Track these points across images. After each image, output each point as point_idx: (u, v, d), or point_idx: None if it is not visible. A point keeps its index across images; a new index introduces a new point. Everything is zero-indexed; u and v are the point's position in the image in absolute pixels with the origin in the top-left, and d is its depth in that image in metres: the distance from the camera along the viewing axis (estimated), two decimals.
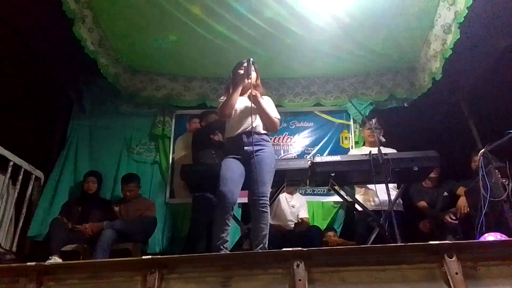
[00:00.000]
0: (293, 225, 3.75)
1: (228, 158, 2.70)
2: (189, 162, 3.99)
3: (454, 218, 3.42)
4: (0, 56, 3.50)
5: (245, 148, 2.66)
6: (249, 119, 2.73)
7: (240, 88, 2.77)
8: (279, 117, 2.92)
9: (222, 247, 2.45)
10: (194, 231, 3.58)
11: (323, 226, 4.15)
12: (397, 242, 2.66)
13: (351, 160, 3.18)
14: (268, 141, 2.78)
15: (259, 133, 2.74)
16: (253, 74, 2.86)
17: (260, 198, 2.53)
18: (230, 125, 2.80)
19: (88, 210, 3.63)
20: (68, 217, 3.47)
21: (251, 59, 2.79)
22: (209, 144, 3.81)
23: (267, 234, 2.52)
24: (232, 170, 2.61)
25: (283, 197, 3.86)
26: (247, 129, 2.71)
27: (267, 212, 2.54)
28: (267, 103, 2.90)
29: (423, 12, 3.51)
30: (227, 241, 2.52)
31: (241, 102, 2.82)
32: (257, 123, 2.76)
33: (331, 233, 3.95)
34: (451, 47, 3.45)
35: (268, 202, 2.58)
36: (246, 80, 2.77)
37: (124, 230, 3.36)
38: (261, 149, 2.68)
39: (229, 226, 2.54)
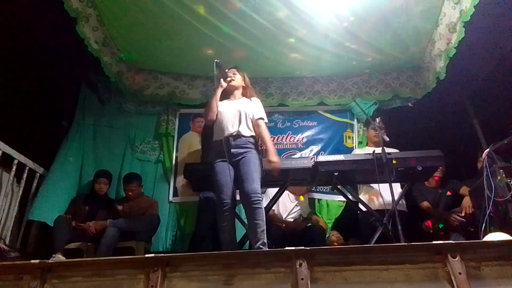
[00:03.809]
0: (291, 223, 3.71)
1: (217, 162, 2.76)
2: (192, 161, 4.01)
3: (459, 218, 3.41)
4: (4, 55, 3.50)
5: (232, 150, 2.72)
6: (236, 122, 2.80)
7: (217, 93, 2.85)
8: (266, 119, 2.94)
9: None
10: (199, 230, 3.61)
11: (329, 224, 4.12)
12: (400, 242, 2.65)
13: (355, 160, 3.18)
14: (254, 144, 2.82)
15: (245, 136, 2.79)
16: (238, 77, 2.96)
17: (252, 195, 2.57)
18: (216, 129, 2.87)
19: (95, 210, 3.64)
20: (75, 216, 3.48)
21: (216, 61, 2.82)
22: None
23: (265, 230, 2.55)
24: (224, 174, 2.68)
25: (285, 194, 3.83)
26: (233, 133, 2.77)
27: (261, 208, 2.59)
28: (255, 104, 2.94)
29: (428, 11, 3.50)
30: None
31: (227, 106, 2.89)
32: (242, 127, 2.81)
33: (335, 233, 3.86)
34: (455, 46, 3.44)
35: (260, 199, 2.62)
36: (220, 84, 2.85)
37: (128, 229, 3.36)
38: (246, 151, 2.74)
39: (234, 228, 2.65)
